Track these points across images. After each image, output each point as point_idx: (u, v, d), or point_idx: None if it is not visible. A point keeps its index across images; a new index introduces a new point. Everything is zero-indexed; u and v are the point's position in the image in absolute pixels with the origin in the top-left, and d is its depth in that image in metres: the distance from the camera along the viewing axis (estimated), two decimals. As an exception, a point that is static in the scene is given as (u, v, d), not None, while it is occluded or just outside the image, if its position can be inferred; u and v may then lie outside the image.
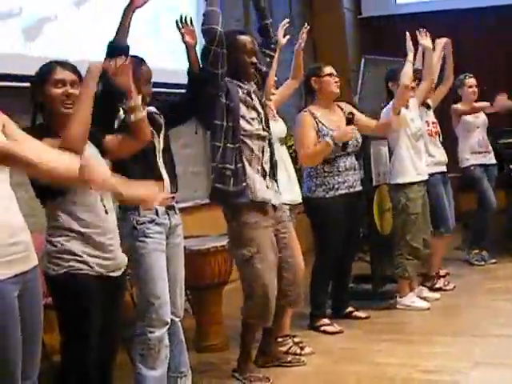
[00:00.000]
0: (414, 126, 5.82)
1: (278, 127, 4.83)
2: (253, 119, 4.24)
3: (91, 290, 3.17)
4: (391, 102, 5.72)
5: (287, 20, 4.94)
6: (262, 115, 4.32)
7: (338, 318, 5.51)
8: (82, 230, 3.17)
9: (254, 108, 4.28)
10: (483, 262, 7.18)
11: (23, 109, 3.67)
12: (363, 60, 7.85)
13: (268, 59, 4.56)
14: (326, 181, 5.23)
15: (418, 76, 5.98)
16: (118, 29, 3.55)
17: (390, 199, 5.84)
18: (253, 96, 4.31)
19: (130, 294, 4.80)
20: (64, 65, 3.23)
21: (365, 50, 9.43)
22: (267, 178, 4.30)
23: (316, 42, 9.92)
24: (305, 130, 5.21)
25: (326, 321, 5.34)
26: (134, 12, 3.58)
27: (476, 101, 7.12)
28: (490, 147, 7.22)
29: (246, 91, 4.26)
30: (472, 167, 7.09)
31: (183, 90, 4.21)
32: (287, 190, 4.70)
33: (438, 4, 10.06)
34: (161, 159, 3.83)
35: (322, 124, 5.24)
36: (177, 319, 3.94)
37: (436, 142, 6.34)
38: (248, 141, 4.20)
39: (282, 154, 4.83)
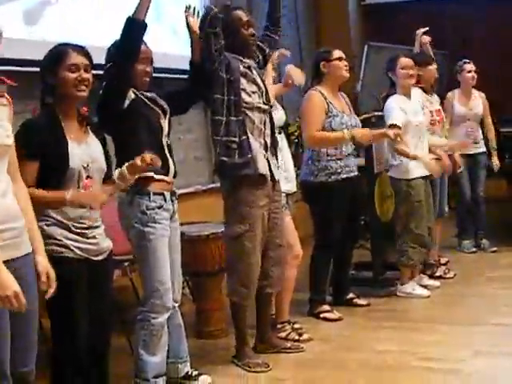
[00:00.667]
0: (417, 120, 5.76)
1: (277, 115, 4.81)
2: (253, 92, 4.28)
3: (72, 271, 3.17)
4: (396, 96, 5.69)
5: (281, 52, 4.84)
6: (263, 89, 4.35)
7: (339, 305, 5.50)
8: (64, 221, 3.20)
9: (255, 82, 4.31)
10: (473, 249, 7.20)
11: (25, 93, 3.67)
12: (366, 47, 7.86)
13: (273, 43, 4.63)
14: (329, 165, 5.18)
15: (416, 60, 5.93)
16: (138, 5, 3.56)
17: (392, 186, 5.82)
18: (253, 71, 4.35)
19: (130, 279, 4.81)
20: (77, 49, 3.25)
21: (368, 37, 9.42)
22: (268, 151, 4.32)
23: (320, 28, 9.89)
24: (314, 108, 5.13)
25: (326, 307, 5.34)
26: None
27: (474, 86, 7.09)
28: (480, 137, 7.15)
29: (246, 65, 4.30)
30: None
31: (185, 76, 4.21)
32: (283, 179, 4.67)
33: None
34: (167, 142, 3.85)
35: (333, 105, 5.20)
36: (175, 304, 3.95)
37: (438, 131, 6.31)
38: (250, 113, 4.23)
39: (279, 142, 4.76)
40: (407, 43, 7.77)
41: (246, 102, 4.21)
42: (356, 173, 5.36)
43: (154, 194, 3.72)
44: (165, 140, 3.84)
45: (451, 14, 9.75)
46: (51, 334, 3.26)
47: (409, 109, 5.71)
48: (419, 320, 5.26)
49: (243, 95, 4.21)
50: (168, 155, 3.83)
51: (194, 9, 4.17)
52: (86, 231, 3.24)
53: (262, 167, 4.23)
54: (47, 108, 3.24)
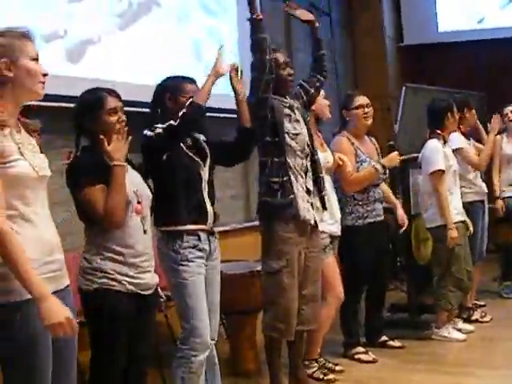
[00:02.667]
0: (455, 165, 5.75)
1: (324, 157, 4.81)
2: (296, 134, 4.30)
3: (121, 305, 3.22)
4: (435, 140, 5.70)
5: None
6: (306, 131, 4.38)
7: (372, 346, 5.45)
8: (117, 248, 3.25)
9: (298, 122, 4.33)
10: None
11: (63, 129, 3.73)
12: (404, 88, 7.85)
13: (317, 84, 4.64)
14: (356, 209, 5.18)
15: (458, 104, 5.94)
16: (199, 91, 3.72)
17: (431, 231, 5.75)
18: (296, 111, 4.38)
19: (164, 315, 4.82)
20: (111, 92, 3.36)
21: (406, 78, 9.44)
22: (311, 195, 4.35)
23: (357, 68, 9.94)
24: (345, 154, 5.11)
25: (361, 349, 5.30)
26: (216, 79, 3.76)
27: None
28: None
29: (288, 105, 4.33)
30: (509, 199, 7.00)
31: (224, 115, 4.24)
32: (328, 220, 4.71)
33: (481, 33, 10.01)
34: (206, 190, 3.84)
35: (360, 150, 5.22)
36: (212, 342, 3.92)
37: (477, 172, 6.31)
38: (292, 157, 4.25)
39: (327, 184, 4.74)
40: (443, 84, 7.80)
41: (289, 145, 4.24)
42: (382, 218, 5.33)
43: (188, 234, 3.73)
44: (205, 188, 3.83)
45: (488, 55, 9.74)
46: (90, 365, 3.29)
47: (449, 153, 5.71)
48: (455, 364, 5.19)
49: (287, 138, 4.24)
50: (207, 203, 3.83)
51: (238, 68, 4.11)
52: (137, 259, 3.29)
53: (302, 209, 4.24)
54: (87, 149, 3.32)
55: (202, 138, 3.94)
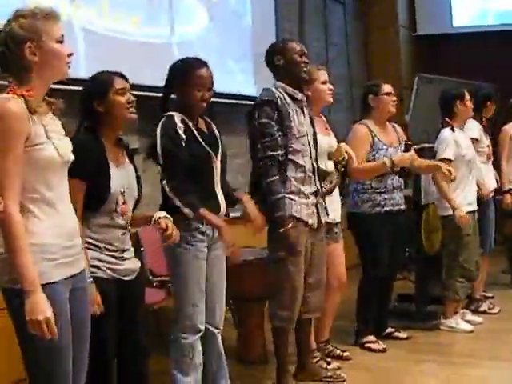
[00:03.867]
0: (469, 154, 5.74)
1: (328, 141, 4.81)
2: (303, 136, 4.27)
3: (104, 290, 3.20)
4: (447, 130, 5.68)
5: None
6: (311, 132, 4.36)
7: (378, 337, 5.43)
8: (96, 243, 3.25)
9: (302, 125, 4.30)
10: None
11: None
12: (416, 78, 7.83)
13: None
14: (373, 197, 5.19)
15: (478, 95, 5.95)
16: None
17: (441, 222, 5.76)
18: (305, 110, 4.36)
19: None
20: (119, 74, 3.36)
21: (419, 68, 9.41)
22: (316, 197, 4.33)
23: (370, 58, 9.92)
24: (359, 142, 5.12)
25: (372, 338, 5.31)
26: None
27: None
28: None
29: (299, 98, 4.30)
30: None
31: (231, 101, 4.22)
32: (328, 209, 4.69)
33: (495, 23, 9.98)
34: (218, 182, 3.83)
35: (378, 139, 5.21)
36: (216, 331, 3.93)
37: (489, 166, 6.29)
38: (292, 171, 4.24)
39: (328, 168, 4.75)
40: (457, 75, 7.76)
41: (295, 150, 4.23)
42: (402, 207, 5.34)
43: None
44: (216, 180, 3.82)
45: (502, 46, 9.70)
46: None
47: (462, 142, 5.69)
48: (462, 354, 5.20)
49: (292, 146, 4.22)
50: (219, 195, 3.82)
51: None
52: (115, 253, 3.29)
53: (305, 216, 4.25)
54: (90, 131, 3.31)
55: (214, 128, 3.93)
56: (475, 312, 6.14)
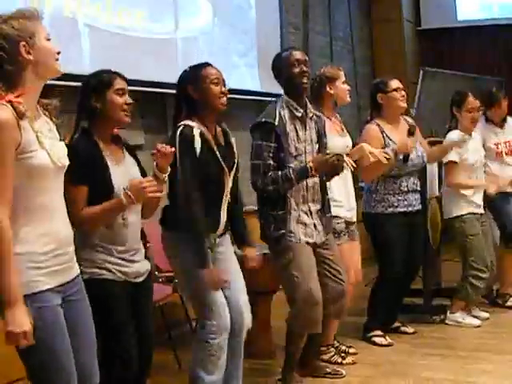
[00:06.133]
0: (474, 159, 5.68)
1: (343, 141, 4.80)
2: (300, 154, 4.21)
3: (114, 292, 3.22)
4: (457, 132, 5.63)
5: None
6: (311, 147, 4.30)
7: (386, 331, 5.43)
8: (104, 244, 3.24)
9: (301, 141, 4.25)
10: None
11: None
12: (421, 72, 7.80)
13: None
14: (386, 198, 5.17)
15: (486, 100, 5.91)
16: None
17: (446, 225, 5.75)
18: (308, 125, 4.29)
19: (180, 296, 4.84)
20: (120, 75, 3.36)
21: (423, 62, 9.39)
22: (314, 216, 4.30)
23: (374, 53, 9.90)
24: (371, 142, 5.00)
25: (379, 332, 5.31)
26: None
27: None
28: None
29: (300, 115, 4.24)
30: None
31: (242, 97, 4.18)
32: (343, 206, 4.70)
33: (500, 17, 9.93)
34: (226, 200, 3.81)
35: (390, 139, 5.14)
36: (244, 329, 3.91)
37: (506, 161, 6.22)
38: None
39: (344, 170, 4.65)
40: (462, 68, 7.73)
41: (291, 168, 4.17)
42: (418, 207, 5.31)
43: None
44: (225, 198, 3.80)
45: (507, 40, 9.67)
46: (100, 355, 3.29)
47: (469, 146, 5.64)
48: (468, 349, 5.18)
49: (290, 165, 4.16)
50: (222, 213, 3.80)
51: None
52: (122, 253, 3.28)
53: (300, 235, 4.22)
54: (84, 132, 3.30)
55: (232, 140, 3.92)
56: (503, 306, 6.15)
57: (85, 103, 3.31)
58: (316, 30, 8.39)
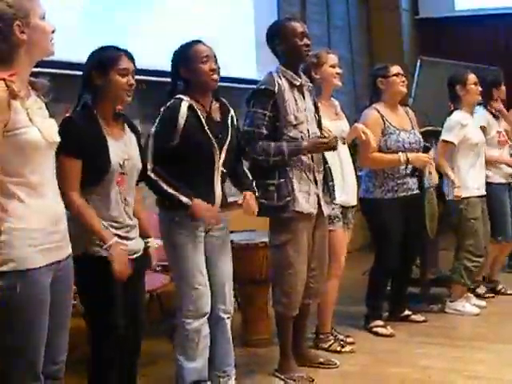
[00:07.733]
0: (477, 138, 5.69)
1: (340, 125, 4.78)
2: (301, 123, 4.19)
3: (107, 268, 3.16)
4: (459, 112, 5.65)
5: None
6: (313, 117, 4.30)
7: (394, 320, 5.44)
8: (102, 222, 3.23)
9: (300, 110, 4.22)
10: None
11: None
12: (419, 61, 7.80)
13: None
14: (385, 182, 5.15)
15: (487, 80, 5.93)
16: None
17: (447, 205, 5.74)
18: (305, 94, 4.29)
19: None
20: (127, 54, 3.31)
21: (421, 51, 9.37)
22: (319, 185, 4.27)
23: (372, 42, 9.88)
24: (371, 127, 4.95)
25: (380, 323, 5.30)
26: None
27: None
28: None
29: (298, 83, 4.23)
30: None
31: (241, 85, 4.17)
32: (340, 191, 4.64)
33: (498, 6, 9.91)
34: (219, 174, 3.77)
35: (389, 123, 5.16)
36: (225, 316, 3.90)
37: (504, 152, 6.22)
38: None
39: (341, 153, 4.69)
40: (460, 58, 7.71)
41: (292, 138, 4.16)
42: (416, 191, 5.29)
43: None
44: (217, 173, 3.75)
45: (504, 29, 9.65)
46: (92, 332, 3.29)
47: (470, 126, 5.65)
48: (468, 337, 5.18)
49: (291, 130, 4.15)
50: (216, 187, 3.76)
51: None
52: (118, 231, 3.27)
53: (303, 205, 4.17)
54: (85, 108, 3.27)
55: (232, 114, 3.90)
56: (493, 291, 6.19)
57: (87, 78, 3.28)
58: (313, 18, 8.36)
